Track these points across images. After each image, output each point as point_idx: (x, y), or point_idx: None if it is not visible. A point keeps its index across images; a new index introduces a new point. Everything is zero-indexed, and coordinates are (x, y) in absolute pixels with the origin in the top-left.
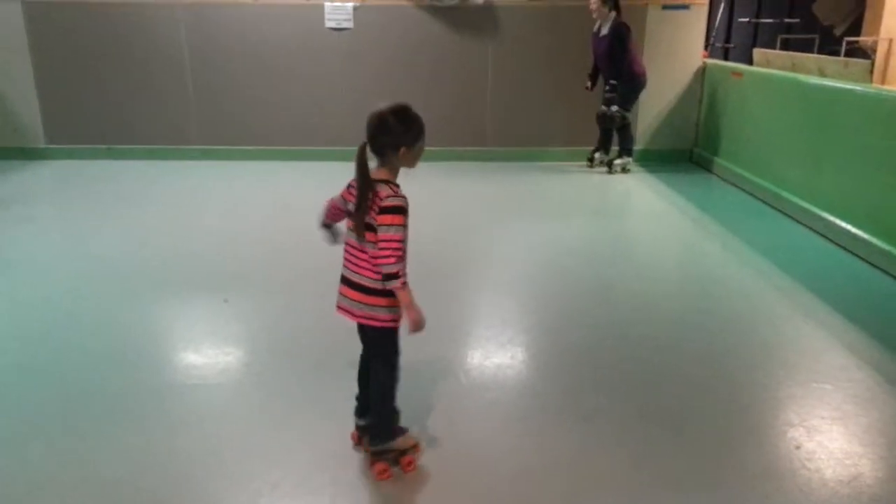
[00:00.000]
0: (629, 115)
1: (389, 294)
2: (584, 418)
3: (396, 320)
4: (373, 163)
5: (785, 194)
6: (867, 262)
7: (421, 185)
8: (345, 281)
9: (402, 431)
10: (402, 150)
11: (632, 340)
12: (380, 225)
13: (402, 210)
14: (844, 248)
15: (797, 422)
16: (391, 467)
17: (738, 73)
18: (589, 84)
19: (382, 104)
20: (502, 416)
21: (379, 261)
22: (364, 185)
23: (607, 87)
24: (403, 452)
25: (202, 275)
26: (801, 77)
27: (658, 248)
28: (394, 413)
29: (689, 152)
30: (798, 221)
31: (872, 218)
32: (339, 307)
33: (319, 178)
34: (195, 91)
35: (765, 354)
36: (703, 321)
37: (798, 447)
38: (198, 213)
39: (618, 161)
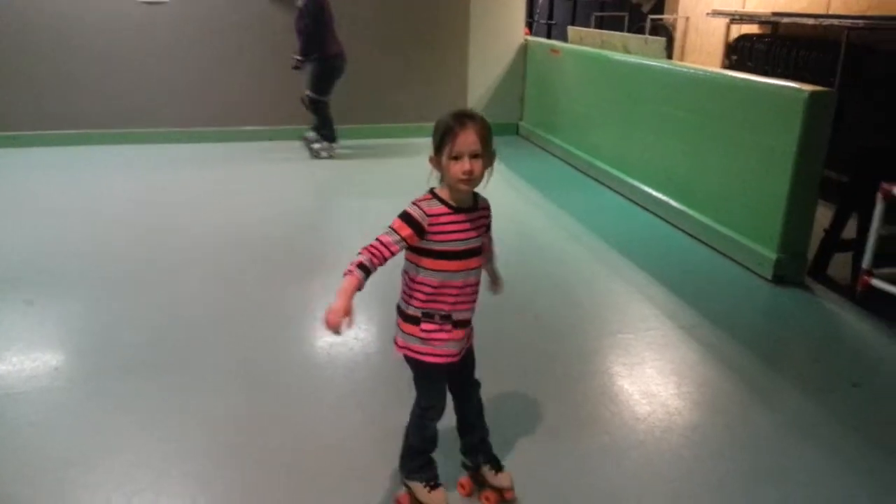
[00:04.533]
0: (324, 98)
1: (409, 319)
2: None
3: (412, 350)
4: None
5: (599, 163)
6: (667, 221)
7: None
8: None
9: (424, 480)
10: (431, 157)
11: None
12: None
13: (406, 217)
14: (649, 210)
15: (602, 370)
16: (411, 503)
17: (556, 50)
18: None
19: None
20: (338, 393)
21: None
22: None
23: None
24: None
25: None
26: (609, 53)
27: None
28: (415, 453)
29: (515, 126)
30: (610, 188)
31: (671, 181)
32: None
33: (140, 161)
34: None
35: (580, 312)
36: (525, 285)
37: (602, 393)
38: None
39: (316, 145)
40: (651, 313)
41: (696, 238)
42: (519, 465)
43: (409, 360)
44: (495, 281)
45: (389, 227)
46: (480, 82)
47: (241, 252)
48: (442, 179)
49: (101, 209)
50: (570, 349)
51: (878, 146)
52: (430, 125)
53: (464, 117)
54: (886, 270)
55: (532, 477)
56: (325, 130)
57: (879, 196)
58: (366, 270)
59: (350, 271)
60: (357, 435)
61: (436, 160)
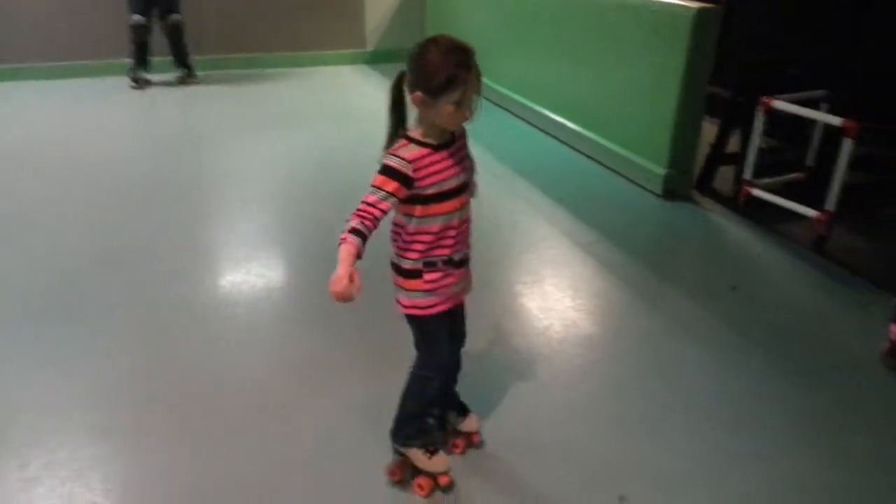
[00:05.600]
0: (135, 20)
1: (409, 274)
2: (324, 316)
3: (419, 307)
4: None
5: (501, 89)
6: (567, 144)
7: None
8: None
9: (423, 446)
10: (419, 96)
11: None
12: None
13: (387, 170)
14: (550, 134)
15: (505, 289)
16: (405, 473)
17: None
18: None
19: (443, 35)
20: (240, 328)
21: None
22: (394, 121)
23: None
24: (418, 472)
25: None
26: None
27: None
28: (412, 418)
29: None
30: (514, 114)
31: (568, 104)
32: None
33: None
34: None
35: (487, 238)
36: None
37: (505, 310)
38: None
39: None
40: (551, 233)
41: (593, 159)
42: None
43: (412, 319)
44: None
45: (372, 185)
46: (378, 8)
47: (124, 192)
48: (420, 119)
49: None
50: (473, 272)
51: (758, 61)
52: (326, 53)
53: (466, 59)
54: (766, 181)
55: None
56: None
57: (759, 110)
58: (360, 235)
59: (344, 239)
60: (264, 371)
61: (426, 101)
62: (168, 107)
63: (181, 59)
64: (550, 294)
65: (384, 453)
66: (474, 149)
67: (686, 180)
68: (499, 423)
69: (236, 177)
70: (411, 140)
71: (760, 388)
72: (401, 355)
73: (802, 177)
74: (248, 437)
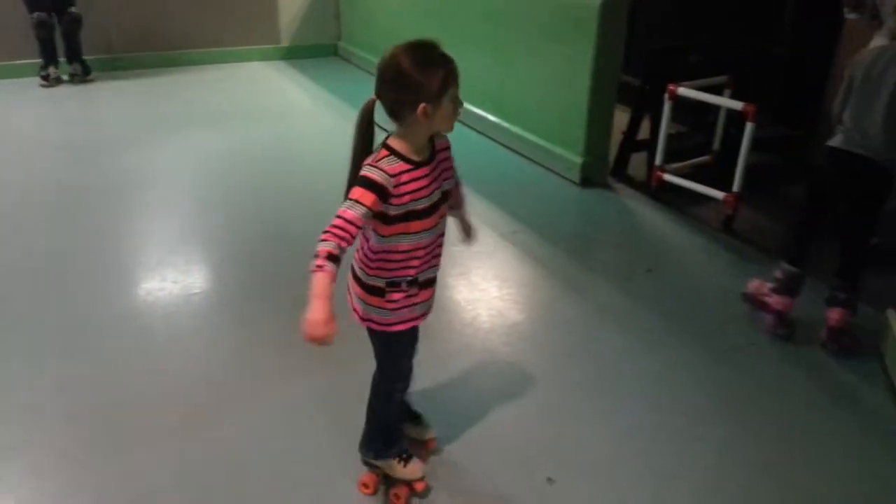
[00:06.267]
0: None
1: (370, 290)
2: (246, 320)
3: (376, 322)
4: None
5: None
6: (486, 135)
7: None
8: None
9: (397, 455)
10: (423, 108)
11: (294, 238)
12: (347, 198)
13: (368, 183)
14: (469, 126)
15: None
16: (378, 485)
17: None
18: None
19: (398, 44)
20: (158, 337)
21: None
22: (360, 149)
23: None
24: (392, 482)
25: None
26: None
27: (312, 146)
28: (381, 429)
29: (334, 47)
30: None
31: (486, 95)
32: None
33: None
34: None
35: None
36: None
37: (441, 299)
38: None
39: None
40: (474, 224)
41: (512, 150)
42: (361, 383)
43: (373, 332)
44: (467, 231)
45: (350, 199)
46: (291, 2)
47: (33, 200)
48: (404, 132)
49: None
50: None
51: (664, 49)
52: (241, 49)
53: (440, 51)
54: (676, 165)
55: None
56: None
57: (666, 97)
58: (336, 260)
59: (320, 266)
60: (186, 380)
61: (429, 111)
62: (75, 108)
63: (76, 55)
64: (477, 285)
65: (319, 460)
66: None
67: (602, 168)
68: (431, 417)
69: (148, 179)
70: (394, 152)
71: (679, 367)
72: (330, 355)
73: (710, 160)
74: (171, 449)
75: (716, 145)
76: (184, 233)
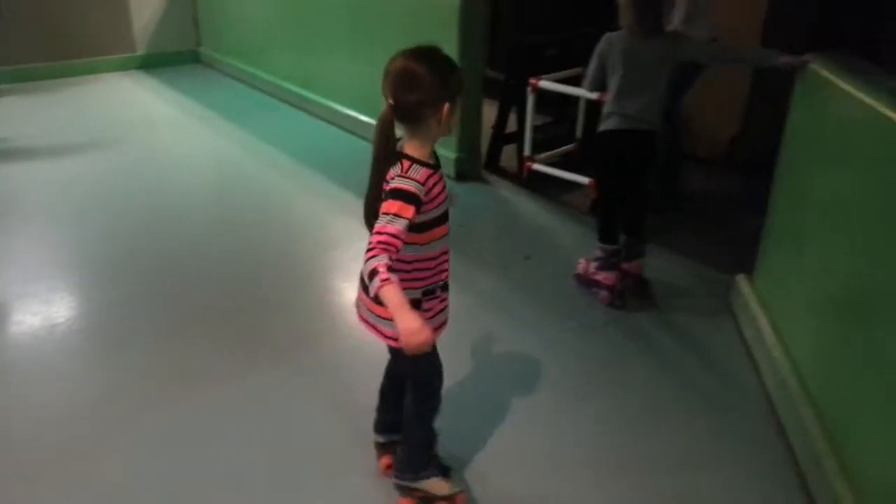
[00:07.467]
0: None
1: None
2: (116, 345)
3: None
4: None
5: (285, 84)
6: (356, 134)
7: None
8: (361, 279)
9: (438, 473)
10: (447, 107)
11: (171, 257)
12: (382, 213)
13: (406, 196)
14: (338, 126)
15: (321, 287)
16: None
17: None
18: None
19: (407, 49)
20: (23, 372)
21: (366, 255)
22: (382, 156)
23: None
24: (432, 499)
25: None
26: None
27: (179, 157)
28: (424, 447)
29: (194, 53)
30: (298, 108)
31: (352, 94)
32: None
33: None
34: None
35: (290, 238)
36: (234, 217)
37: (320, 309)
38: None
39: None
40: (354, 228)
41: None
42: (253, 384)
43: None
44: None
45: (391, 214)
46: (145, 5)
47: None
48: (419, 136)
49: None
50: (286, 275)
51: (526, 43)
52: (93, 61)
53: (442, 52)
54: (543, 155)
55: (275, 389)
56: None
57: (529, 90)
58: (394, 272)
59: (387, 279)
60: (57, 414)
61: (452, 109)
62: None
63: None
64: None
65: (199, 485)
66: (260, 147)
67: (475, 162)
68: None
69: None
70: (415, 160)
71: (554, 346)
72: (203, 373)
73: (574, 148)
74: (48, 486)
75: (578, 134)
76: (42, 261)
